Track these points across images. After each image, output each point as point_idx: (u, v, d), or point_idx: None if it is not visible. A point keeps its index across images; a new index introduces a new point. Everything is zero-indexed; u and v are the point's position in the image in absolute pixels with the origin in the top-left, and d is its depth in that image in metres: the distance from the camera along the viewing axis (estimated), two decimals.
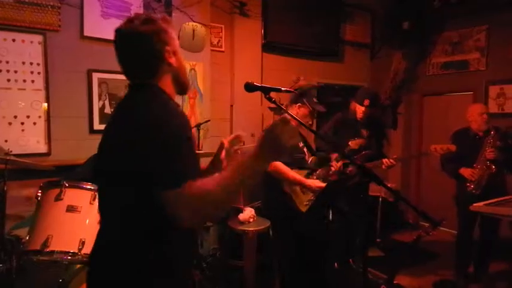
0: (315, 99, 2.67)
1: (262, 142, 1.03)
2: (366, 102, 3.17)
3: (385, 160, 3.04)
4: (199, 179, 0.98)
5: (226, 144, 1.42)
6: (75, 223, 1.90)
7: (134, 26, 1.15)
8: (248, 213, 2.99)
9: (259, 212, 3.08)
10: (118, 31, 1.17)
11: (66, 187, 1.92)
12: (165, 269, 1.08)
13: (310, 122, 2.87)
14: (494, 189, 3.11)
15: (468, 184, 3.16)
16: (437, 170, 3.51)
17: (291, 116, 1.57)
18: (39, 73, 2.89)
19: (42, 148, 2.94)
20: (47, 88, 2.92)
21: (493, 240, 3.31)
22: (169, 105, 1.10)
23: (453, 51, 4.79)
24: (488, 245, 3.32)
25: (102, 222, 1.19)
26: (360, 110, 3.22)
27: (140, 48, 1.16)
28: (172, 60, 1.19)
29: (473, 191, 3.13)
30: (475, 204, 2.91)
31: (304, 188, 2.57)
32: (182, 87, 1.26)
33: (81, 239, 1.85)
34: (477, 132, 3.27)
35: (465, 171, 3.18)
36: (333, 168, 2.73)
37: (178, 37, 3.41)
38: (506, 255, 3.57)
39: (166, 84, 1.19)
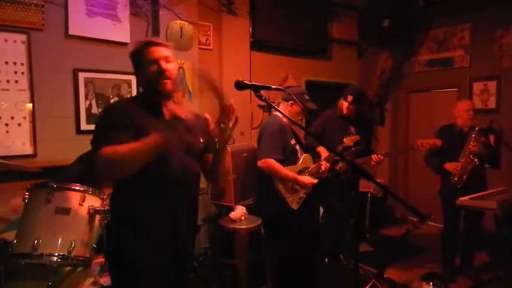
0: (306, 97, 2.70)
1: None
2: (349, 98, 3.24)
3: (374, 156, 3.09)
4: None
5: (208, 116, 1.46)
6: (65, 225, 1.87)
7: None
8: (239, 211, 2.99)
9: (250, 210, 3.08)
10: None
11: (54, 189, 1.88)
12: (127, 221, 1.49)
13: (301, 120, 2.89)
14: (476, 182, 3.21)
15: (452, 177, 3.24)
16: (423, 165, 3.58)
17: (283, 114, 1.58)
18: (23, 73, 2.83)
19: (28, 149, 2.87)
20: (31, 88, 2.85)
21: (478, 233, 3.40)
22: (115, 102, 1.51)
23: (438, 49, 4.87)
24: (473, 237, 3.41)
25: None
26: (344, 106, 3.30)
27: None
28: (139, 71, 1.62)
29: (456, 183, 3.21)
30: (460, 199, 2.99)
31: (297, 184, 2.59)
32: (150, 92, 1.58)
33: (71, 241, 1.82)
34: (462, 128, 3.35)
35: (449, 166, 3.26)
36: (322, 168, 2.76)
37: (166, 36, 3.40)
38: (490, 247, 3.68)
39: (142, 89, 1.67)
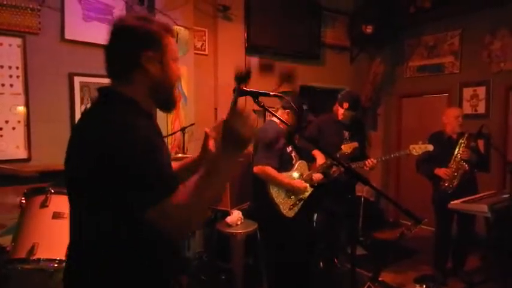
0: (304, 107, 2.74)
1: (223, 137, 0.99)
2: (345, 105, 3.28)
3: (367, 161, 3.13)
4: (175, 189, 0.94)
5: (210, 133, 1.41)
6: (62, 230, 1.86)
7: (125, 20, 1.06)
8: (236, 215, 3.00)
9: (246, 214, 3.10)
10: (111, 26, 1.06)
11: (51, 193, 1.89)
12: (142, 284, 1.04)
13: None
14: (467, 187, 3.26)
15: (442, 182, 3.30)
16: (414, 170, 3.63)
17: (279, 119, 1.61)
18: (18, 77, 2.82)
19: (22, 154, 2.85)
20: (26, 92, 2.84)
21: (470, 237, 3.46)
22: (125, 120, 0.97)
23: (429, 55, 4.97)
24: (464, 241, 3.47)
25: (74, 236, 1.09)
26: (340, 112, 3.34)
27: (117, 44, 1.04)
28: (153, 68, 1.04)
29: (447, 189, 3.27)
30: (452, 202, 3.04)
31: (292, 189, 2.62)
32: (164, 103, 1.14)
33: (68, 245, 1.82)
34: (451, 135, 3.41)
35: (439, 171, 3.31)
36: (314, 179, 2.78)
37: None
38: (482, 250, 3.74)
39: (140, 94, 1.06)
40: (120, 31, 1.04)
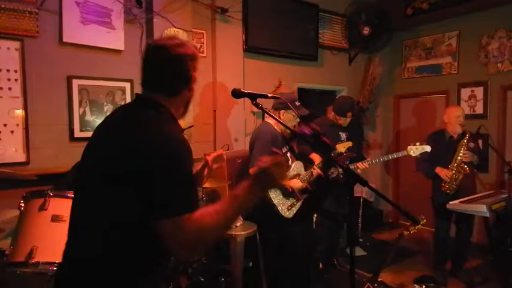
0: (297, 103, 2.74)
1: (256, 180, 1.08)
2: (349, 115, 3.30)
3: (359, 164, 3.14)
4: (197, 210, 0.99)
5: (209, 162, 1.43)
6: (61, 233, 1.85)
7: (171, 46, 1.16)
8: None
9: (245, 216, 3.10)
10: (154, 46, 1.18)
11: (50, 196, 1.88)
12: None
13: (294, 126, 2.92)
14: (466, 188, 3.27)
15: (443, 184, 3.29)
16: (413, 170, 3.64)
17: (277, 120, 1.61)
18: (16, 80, 2.82)
19: (20, 157, 2.85)
20: (24, 95, 2.84)
21: (469, 237, 3.46)
22: (179, 133, 1.12)
23: (427, 56, 4.99)
24: (464, 241, 3.48)
25: (77, 232, 1.12)
26: (332, 115, 3.39)
27: (173, 68, 1.17)
28: (193, 87, 1.23)
29: (448, 191, 3.27)
30: (451, 202, 3.05)
31: (287, 190, 2.62)
32: (183, 114, 1.28)
33: (65, 249, 1.81)
34: (452, 134, 3.41)
35: (441, 171, 3.31)
36: (314, 174, 2.79)
37: None
38: (481, 250, 3.75)
39: (178, 107, 1.21)
40: (172, 56, 1.15)
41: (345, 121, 3.34)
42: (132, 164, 0.99)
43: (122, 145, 1.04)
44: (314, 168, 2.82)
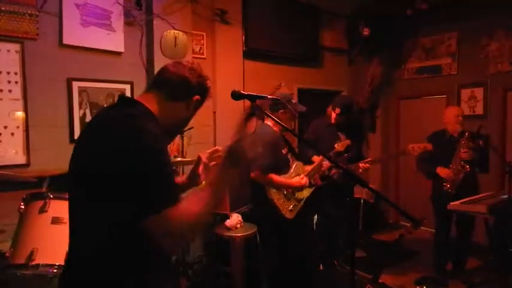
0: (293, 101, 2.74)
1: (227, 158, 1.10)
2: (337, 110, 3.33)
3: (361, 164, 3.14)
4: (178, 203, 1.00)
5: (203, 159, 1.43)
6: (61, 235, 1.86)
7: (189, 68, 1.24)
8: (235, 219, 3.00)
9: (245, 217, 3.10)
10: (176, 62, 1.27)
11: (50, 198, 1.88)
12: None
13: (293, 126, 2.93)
14: (468, 188, 3.26)
15: (444, 184, 3.30)
16: (414, 170, 3.64)
17: (277, 121, 1.62)
18: (16, 82, 2.82)
19: (21, 159, 2.85)
20: (25, 97, 2.85)
21: (469, 238, 3.46)
22: (151, 126, 1.07)
23: (426, 57, 4.99)
24: (464, 242, 3.47)
25: (72, 234, 1.14)
26: (332, 116, 3.40)
27: (182, 79, 1.22)
28: (191, 110, 1.26)
29: (449, 190, 3.27)
30: (451, 203, 3.05)
31: (292, 189, 2.62)
32: (172, 131, 1.28)
33: (67, 251, 1.81)
34: (452, 134, 3.42)
35: (441, 171, 3.31)
36: (324, 165, 2.80)
37: (160, 45, 3.42)
38: (482, 251, 3.74)
39: (168, 116, 1.20)
40: (191, 78, 1.23)
41: (334, 118, 3.39)
42: (104, 166, 1.00)
43: (94, 147, 1.06)
44: (323, 161, 2.82)
